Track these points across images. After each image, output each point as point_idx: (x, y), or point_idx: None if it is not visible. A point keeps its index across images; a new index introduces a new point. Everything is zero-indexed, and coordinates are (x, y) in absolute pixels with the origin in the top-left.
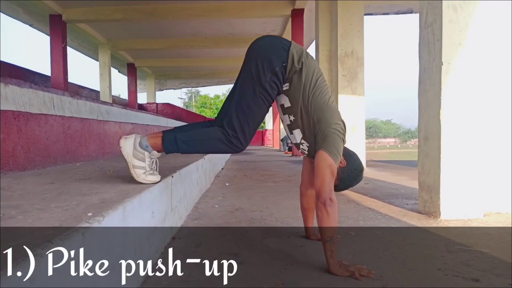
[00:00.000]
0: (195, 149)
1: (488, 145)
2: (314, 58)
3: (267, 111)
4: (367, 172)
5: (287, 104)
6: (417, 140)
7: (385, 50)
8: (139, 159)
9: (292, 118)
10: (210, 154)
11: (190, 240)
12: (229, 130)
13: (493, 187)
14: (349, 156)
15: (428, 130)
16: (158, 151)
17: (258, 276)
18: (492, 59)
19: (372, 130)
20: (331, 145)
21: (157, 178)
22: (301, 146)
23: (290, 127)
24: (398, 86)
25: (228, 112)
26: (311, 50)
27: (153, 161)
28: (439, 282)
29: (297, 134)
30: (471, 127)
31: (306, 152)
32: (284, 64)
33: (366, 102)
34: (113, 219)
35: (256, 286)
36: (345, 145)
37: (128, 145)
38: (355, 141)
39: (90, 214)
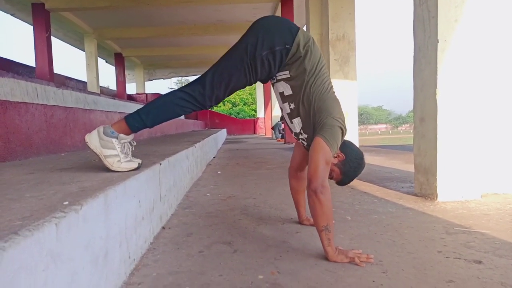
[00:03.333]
0: (159, 116)
1: (484, 125)
2: None
3: (243, 87)
4: None
5: (287, 92)
6: (408, 125)
7: (375, 35)
8: (109, 148)
9: (292, 106)
10: (201, 143)
11: (181, 229)
12: (197, 86)
13: (489, 168)
14: (345, 146)
15: (424, 111)
16: (126, 134)
17: (253, 265)
18: (490, 36)
19: (364, 117)
20: (328, 134)
21: (134, 164)
22: (300, 136)
23: (290, 116)
24: (389, 72)
25: (205, 74)
26: None
27: (124, 146)
28: (440, 265)
29: (297, 124)
30: (468, 107)
31: (306, 143)
32: (287, 46)
33: (357, 88)
34: (92, 208)
35: (251, 275)
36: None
37: (93, 138)
38: (348, 127)
39: (66, 203)
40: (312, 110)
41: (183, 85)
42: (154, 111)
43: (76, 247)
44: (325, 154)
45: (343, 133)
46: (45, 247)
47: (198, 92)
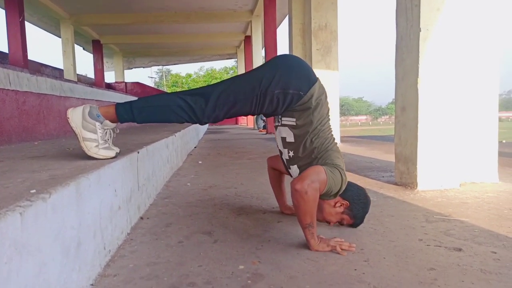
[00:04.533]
0: (151, 116)
1: (463, 115)
2: (288, 32)
3: (244, 114)
4: (342, 148)
5: (290, 139)
6: (387, 117)
7: (357, 26)
8: (90, 131)
9: (291, 154)
10: (181, 132)
11: (160, 219)
12: (200, 99)
13: (467, 157)
14: (346, 191)
15: (405, 100)
16: (111, 121)
17: (233, 255)
18: (471, 26)
19: (345, 108)
20: (329, 168)
21: (111, 153)
22: None
23: (288, 162)
24: (369, 65)
25: (211, 89)
26: (284, 24)
27: (106, 132)
28: (421, 253)
29: (295, 170)
30: (448, 96)
31: None
32: (300, 93)
33: (339, 79)
34: (63, 196)
35: (231, 265)
36: None
37: (76, 115)
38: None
39: (33, 191)
40: (313, 160)
41: (164, 75)
42: (148, 110)
43: (44, 238)
44: (319, 173)
45: (342, 179)
46: (9, 238)
47: (199, 106)
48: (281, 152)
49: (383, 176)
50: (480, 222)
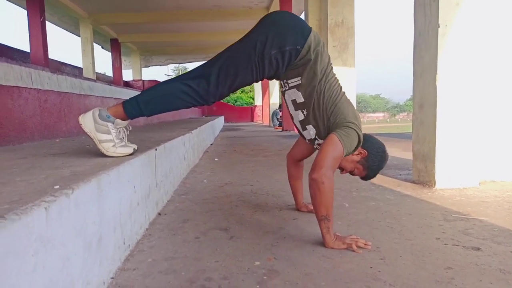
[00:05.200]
0: (158, 107)
1: (483, 112)
2: None
3: (248, 84)
4: None
5: (299, 99)
6: (405, 114)
7: (374, 22)
8: (104, 132)
9: (305, 112)
10: (198, 129)
11: (177, 215)
12: (201, 81)
13: (487, 155)
14: (366, 141)
15: (424, 97)
16: (122, 119)
17: (249, 251)
18: (492, 21)
19: (362, 105)
20: (343, 133)
21: (129, 150)
22: (316, 142)
23: (303, 123)
24: (387, 61)
25: (209, 67)
26: None
27: (119, 131)
28: (438, 251)
29: (311, 130)
30: (468, 93)
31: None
32: (297, 47)
33: (356, 75)
34: (84, 192)
35: (247, 261)
36: None
37: (88, 121)
38: None
39: (57, 187)
40: (325, 116)
41: (180, 72)
42: (154, 101)
43: (67, 232)
44: (335, 149)
45: (359, 136)
46: (35, 232)
47: (203, 88)
48: (294, 117)
49: (400, 174)
50: (499, 221)
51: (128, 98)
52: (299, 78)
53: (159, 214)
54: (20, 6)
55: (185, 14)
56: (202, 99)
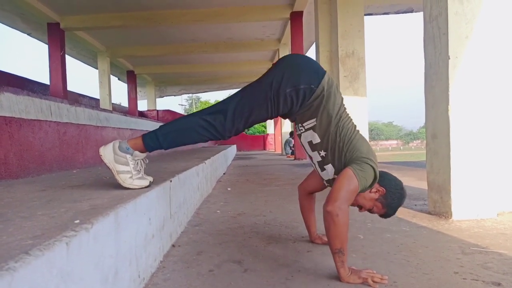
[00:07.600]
0: (176, 140)
1: (499, 141)
2: (315, 59)
3: (263, 121)
4: None
5: (316, 140)
6: (419, 141)
7: (385, 51)
8: (122, 164)
9: (323, 153)
10: (211, 159)
11: (191, 247)
12: (219, 116)
13: (506, 186)
14: (384, 179)
15: (436, 128)
16: (141, 152)
17: (263, 284)
18: (502, 52)
19: (374, 133)
20: (358, 167)
21: (145, 182)
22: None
23: (321, 164)
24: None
25: (227, 103)
26: (311, 52)
27: (137, 163)
28: (457, 286)
29: (330, 169)
30: (481, 123)
31: None
32: (312, 86)
33: (367, 104)
34: (103, 226)
35: None
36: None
37: (108, 152)
38: None
39: (77, 221)
40: (342, 153)
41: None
42: (172, 134)
43: (86, 266)
44: (350, 182)
45: (375, 171)
46: (56, 267)
47: (219, 122)
48: (312, 158)
49: (415, 205)
50: None
51: (147, 132)
52: (315, 119)
53: (173, 245)
54: (41, 41)
55: (199, 46)
56: (218, 133)
